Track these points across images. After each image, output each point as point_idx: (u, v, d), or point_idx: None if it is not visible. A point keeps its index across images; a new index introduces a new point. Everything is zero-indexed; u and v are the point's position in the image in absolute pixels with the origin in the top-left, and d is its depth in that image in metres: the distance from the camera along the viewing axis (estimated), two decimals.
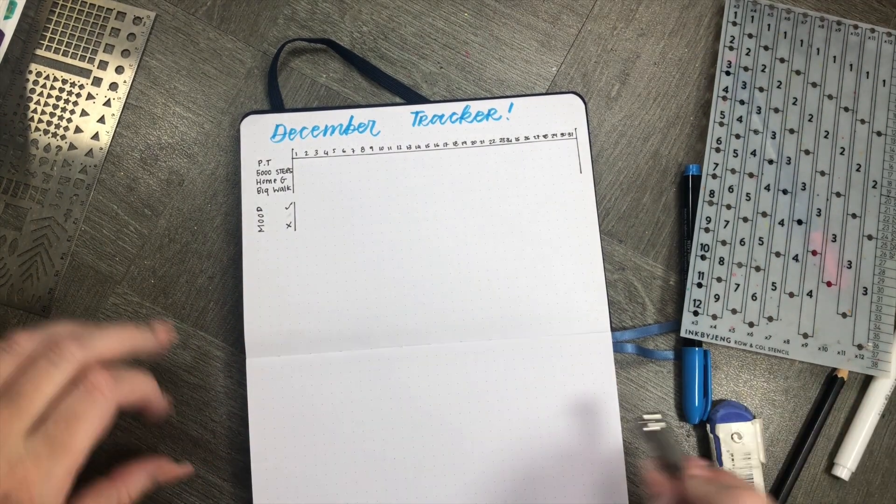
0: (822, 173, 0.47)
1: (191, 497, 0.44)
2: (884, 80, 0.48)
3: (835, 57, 0.48)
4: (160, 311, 0.46)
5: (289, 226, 0.45)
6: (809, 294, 0.46)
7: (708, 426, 0.45)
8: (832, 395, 0.45)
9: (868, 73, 0.48)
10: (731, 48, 0.48)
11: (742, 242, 0.46)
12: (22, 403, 0.32)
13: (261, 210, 0.45)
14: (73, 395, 0.33)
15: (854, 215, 0.46)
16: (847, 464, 0.45)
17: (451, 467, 0.43)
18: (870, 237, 0.46)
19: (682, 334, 0.45)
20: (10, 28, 0.48)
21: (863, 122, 0.47)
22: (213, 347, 0.46)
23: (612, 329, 0.45)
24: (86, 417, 0.33)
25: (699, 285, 0.45)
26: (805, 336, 0.45)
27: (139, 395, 0.36)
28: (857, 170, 0.47)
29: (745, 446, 0.44)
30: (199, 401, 0.46)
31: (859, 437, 0.45)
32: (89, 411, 0.33)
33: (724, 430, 0.44)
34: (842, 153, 0.47)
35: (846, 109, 0.48)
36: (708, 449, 0.45)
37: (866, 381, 0.46)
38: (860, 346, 0.45)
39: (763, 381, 0.46)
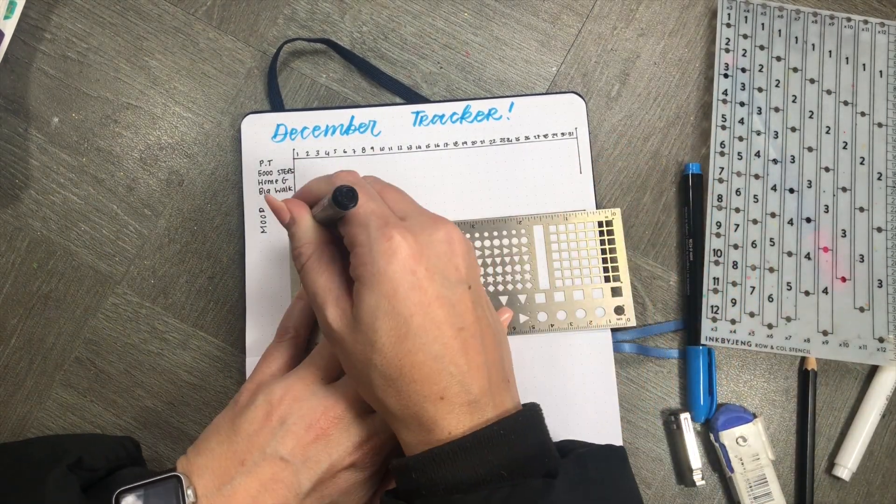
0: (827, 169, 0.47)
1: None
2: (880, 71, 0.48)
3: (830, 51, 0.48)
4: (160, 311, 0.46)
5: None
6: (825, 291, 0.45)
7: (711, 436, 0.44)
8: (810, 388, 0.45)
9: (864, 65, 0.48)
10: (727, 50, 0.48)
11: (754, 245, 0.46)
12: (328, 367, 0.38)
13: (263, 211, 0.45)
14: None
15: (862, 209, 0.46)
16: (848, 464, 0.45)
17: None
18: (879, 230, 0.46)
19: (703, 342, 0.44)
20: (10, 28, 0.48)
21: (863, 114, 0.47)
22: (213, 347, 0.46)
23: (612, 329, 0.45)
24: None
25: (715, 291, 0.45)
26: (825, 333, 0.45)
27: None
28: (861, 163, 0.47)
29: (751, 448, 0.44)
30: (199, 401, 0.45)
31: (860, 437, 0.45)
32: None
33: (727, 436, 0.44)
34: (844, 147, 0.47)
35: (846, 103, 0.48)
36: (716, 458, 0.45)
37: (867, 381, 0.46)
38: (881, 339, 0.45)
39: (763, 381, 0.46)
